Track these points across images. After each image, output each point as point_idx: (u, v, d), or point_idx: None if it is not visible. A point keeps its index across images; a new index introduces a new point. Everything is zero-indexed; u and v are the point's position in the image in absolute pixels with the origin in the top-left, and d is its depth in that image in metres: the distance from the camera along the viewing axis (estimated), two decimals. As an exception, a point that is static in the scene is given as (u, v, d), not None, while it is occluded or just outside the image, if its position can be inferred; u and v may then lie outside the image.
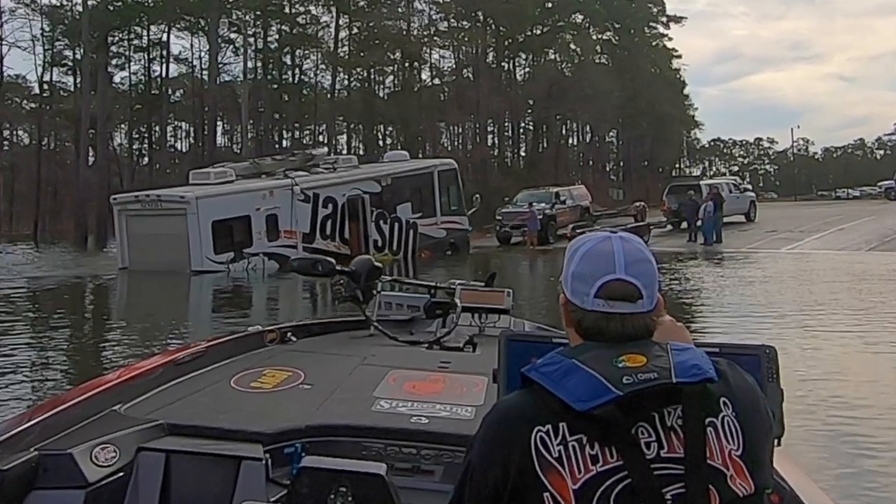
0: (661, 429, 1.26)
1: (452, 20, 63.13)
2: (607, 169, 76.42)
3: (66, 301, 18.27)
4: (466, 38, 62.41)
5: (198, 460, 2.07)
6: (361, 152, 48.41)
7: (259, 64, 59.68)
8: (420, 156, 42.11)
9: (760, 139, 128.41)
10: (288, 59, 61.51)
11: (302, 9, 59.92)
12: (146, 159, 61.69)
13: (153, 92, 58.71)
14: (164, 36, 57.98)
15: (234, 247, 23.09)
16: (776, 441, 1.43)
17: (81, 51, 51.63)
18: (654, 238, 30.48)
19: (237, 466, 2.04)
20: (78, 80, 54.36)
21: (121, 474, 2.01)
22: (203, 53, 58.20)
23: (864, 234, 28.69)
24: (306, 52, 61.41)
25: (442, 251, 28.74)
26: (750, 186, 47.08)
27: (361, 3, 59.12)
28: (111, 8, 53.94)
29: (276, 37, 60.76)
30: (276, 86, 61.04)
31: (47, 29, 54.53)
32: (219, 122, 58.29)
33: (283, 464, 2.12)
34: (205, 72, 57.66)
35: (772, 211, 42.62)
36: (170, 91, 59.72)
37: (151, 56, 58.76)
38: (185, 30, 58.47)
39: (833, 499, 1.95)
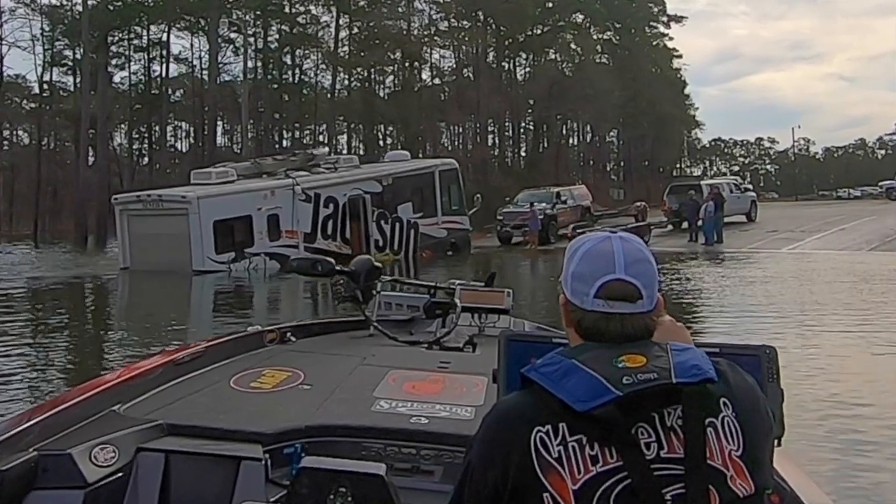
0: (661, 429, 1.26)
1: (453, 20, 63.16)
2: (608, 169, 76.43)
3: (68, 301, 18.26)
4: (467, 38, 62.43)
5: (197, 460, 2.07)
6: (361, 152, 48.42)
7: (259, 64, 59.73)
8: (420, 156, 42.11)
9: (761, 139, 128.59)
10: (288, 59, 61.54)
11: (302, 8, 59.96)
12: (146, 159, 61.74)
13: (153, 92, 58.75)
14: (164, 36, 58.07)
15: (235, 247, 23.10)
16: (776, 441, 1.43)
17: (81, 51, 51.66)
18: (654, 238, 30.48)
19: (237, 467, 2.04)
20: (78, 79, 54.39)
21: (120, 474, 2.01)
22: (203, 53, 58.33)
23: (866, 234, 28.69)
24: (306, 51, 61.44)
25: (443, 251, 28.74)
26: (751, 186, 47.09)
27: (361, 3, 59.14)
28: (111, 8, 53.96)
29: (277, 36, 60.79)
30: (276, 86, 61.07)
31: (47, 29, 54.64)
32: (219, 122, 58.34)
33: (283, 464, 2.12)
34: (205, 72, 57.72)
35: (773, 211, 42.63)
36: (170, 91, 59.75)
37: (151, 56, 58.87)
38: (185, 30, 58.51)
39: (833, 499, 1.95)
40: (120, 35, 56.68)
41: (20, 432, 2.02)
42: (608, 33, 71.51)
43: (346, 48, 60.64)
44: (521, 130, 68.46)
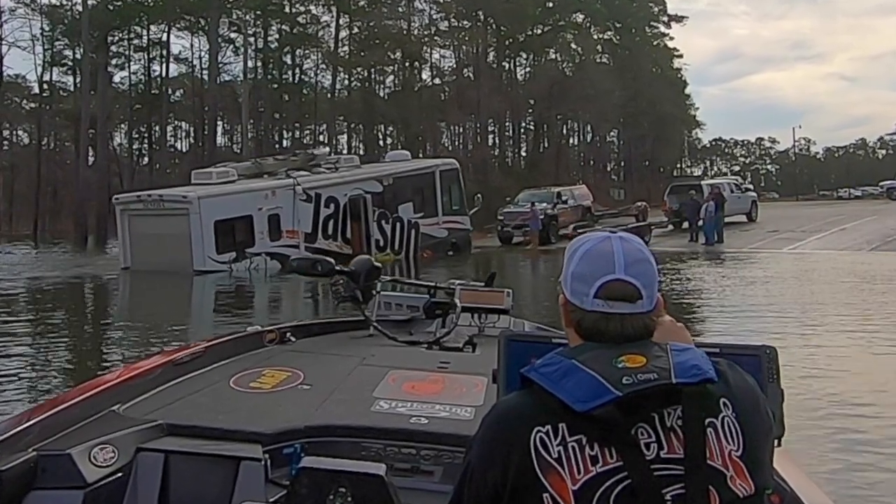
0: (661, 429, 1.26)
1: (453, 20, 63.17)
2: (608, 169, 76.44)
3: (68, 302, 18.24)
4: (467, 38, 62.41)
5: (197, 461, 2.06)
6: (361, 152, 48.41)
7: (259, 64, 59.76)
8: (420, 156, 42.13)
9: (762, 139, 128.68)
10: (288, 59, 61.56)
11: (302, 8, 59.98)
12: (146, 159, 61.76)
13: (153, 92, 58.77)
14: (164, 35, 58.10)
15: (236, 247, 23.09)
16: (776, 441, 1.43)
17: (81, 50, 51.69)
18: (655, 238, 30.48)
19: (236, 467, 2.04)
20: (78, 79, 54.42)
21: (120, 475, 2.00)
22: (203, 53, 58.34)
23: (866, 234, 28.68)
24: (306, 51, 61.45)
25: (444, 251, 28.74)
26: (751, 186, 47.10)
27: (362, 3, 59.15)
28: (111, 7, 53.99)
29: (277, 36, 60.82)
30: (276, 85, 61.09)
31: (47, 28, 54.68)
32: (219, 122, 58.34)
33: (283, 464, 2.11)
34: (205, 71, 57.74)
35: (773, 211, 42.62)
36: (170, 91, 59.76)
37: (151, 56, 58.92)
38: (185, 29, 58.52)
39: (833, 499, 1.95)
40: (120, 35, 56.71)
41: (19, 432, 2.02)
42: (609, 33, 71.50)
43: (346, 48, 60.65)
44: (522, 130, 68.47)
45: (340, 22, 59.38)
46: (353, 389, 2.54)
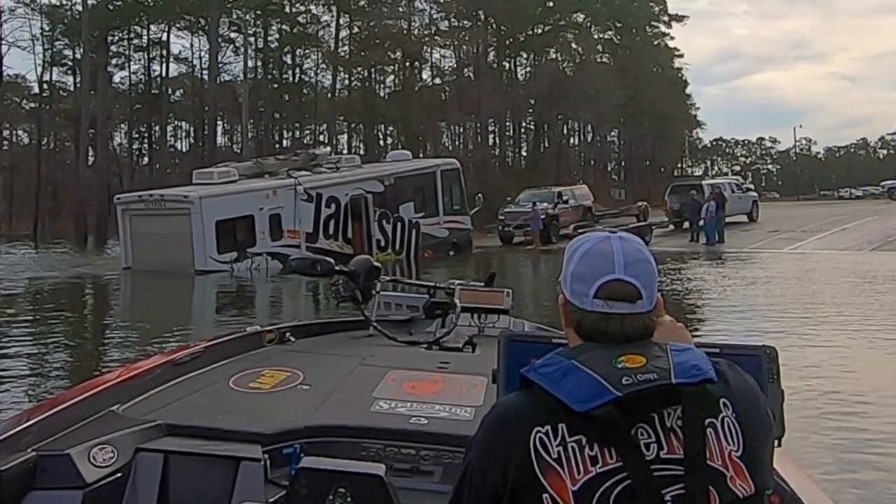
0: (661, 430, 1.26)
1: (453, 19, 63.20)
2: (609, 169, 76.43)
3: (69, 302, 18.22)
4: (467, 38, 62.41)
5: (196, 461, 2.06)
6: (362, 152, 48.40)
7: (259, 63, 59.79)
8: (421, 155, 42.14)
9: (762, 139, 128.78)
10: (288, 59, 61.59)
11: (302, 8, 60.02)
12: (146, 159, 61.78)
13: (153, 92, 58.79)
14: (164, 35, 58.15)
15: (237, 246, 23.09)
16: (777, 442, 1.43)
17: (81, 50, 51.71)
18: (656, 238, 30.49)
19: (236, 467, 2.04)
20: (77, 79, 54.45)
21: (119, 475, 2.00)
22: (203, 53, 58.35)
23: (867, 234, 28.67)
24: (307, 51, 61.48)
25: (444, 251, 28.74)
26: (752, 186, 47.05)
27: (362, 3, 59.18)
28: (111, 7, 54.02)
29: (277, 36, 60.86)
30: (276, 85, 61.11)
31: (47, 28, 54.71)
32: (219, 122, 58.35)
33: (282, 464, 2.11)
34: (205, 71, 57.75)
35: (774, 211, 42.60)
36: (170, 91, 59.79)
37: (151, 56, 58.96)
38: (185, 29, 58.55)
39: (834, 499, 1.94)
40: (120, 35, 56.75)
41: (19, 432, 2.02)
42: (609, 33, 71.48)
43: (346, 48, 60.69)
44: (522, 130, 68.49)
45: (341, 22, 59.43)
46: (352, 389, 2.53)
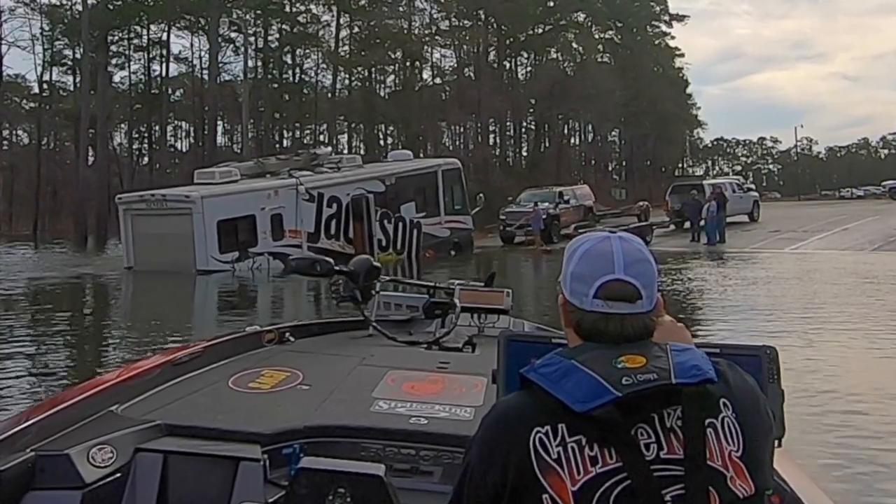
0: (661, 430, 1.26)
1: (454, 19, 63.21)
2: (609, 168, 76.40)
3: (70, 302, 18.21)
4: (468, 37, 62.42)
5: (195, 461, 2.06)
6: (362, 152, 48.40)
7: (259, 63, 59.80)
8: (421, 155, 42.13)
9: (763, 138, 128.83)
10: (288, 59, 61.59)
11: (302, 8, 60.04)
12: (146, 159, 61.82)
13: (153, 91, 58.82)
14: (164, 35, 58.17)
15: (239, 246, 23.10)
16: (777, 442, 1.43)
17: (81, 50, 51.71)
18: (656, 238, 30.49)
19: (235, 467, 2.03)
20: (77, 79, 54.47)
21: (118, 475, 2.00)
22: (203, 53, 58.35)
23: (868, 234, 28.66)
24: (307, 51, 61.49)
25: (446, 251, 28.75)
26: (753, 186, 47.07)
27: (362, 2, 59.18)
28: (111, 7, 54.04)
29: (277, 36, 60.87)
30: (276, 85, 61.12)
31: (47, 28, 54.74)
32: (219, 122, 58.36)
33: (282, 465, 2.11)
34: (205, 71, 57.75)
35: (775, 211, 42.57)
36: (170, 90, 59.82)
37: (151, 55, 58.97)
38: (185, 29, 58.56)
39: (834, 500, 1.94)
40: (120, 34, 56.75)
41: (18, 432, 2.02)
42: (610, 32, 71.49)
43: (346, 47, 60.72)
44: (523, 130, 68.48)
45: (341, 21, 59.47)
46: (352, 390, 2.53)
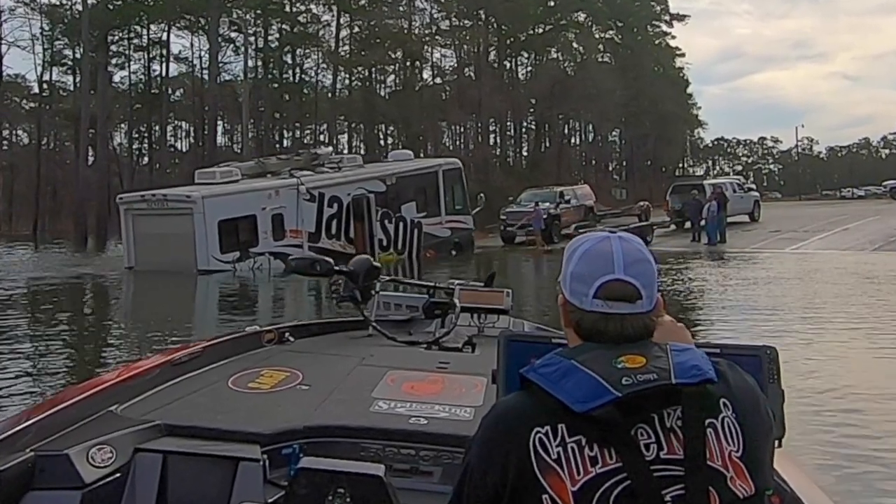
0: (661, 430, 1.26)
1: (454, 19, 63.22)
2: (610, 168, 76.40)
3: (70, 302, 18.21)
4: (468, 37, 62.43)
5: (195, 461, 2.06)
6: (362, 152, 48.39)
7: (259, 63, 59.79)
8: (422, 155, 42.13)
9: (764, 138, 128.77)
10: (289, 59, 61.58)
11: (303, 7, 60.04)
12: (146, 159, 61.84)
13: (153, 91, 58.81)
14: (164, 35, 58.16)
15: (240, 246, 23.11)
16: (777, 442, 1.43)
17: (81, 50, 51.69)
18: (657, 238, 30.49)
19: (234, 467, 2.03)
20: (77, 79, 54.46)
21: (117, 475, 2.00)
22: (203, 52, 58.32)
23: (869, 234, 28.65)
24: (307, 51, 61.48)
25: (446, 251, 28.75)
26: (754, 186, 47.06)
27: (362, 2, 59.18)
28: (111, 7, 54.00)
29: (277, 36, 60.87)
30: (276, 85, 61.11)
31: (47, 28, 54.73)
32: (219, 122, 58.34)
33: (281, 465, 2.10)
34: (205, 71, 57.72)
35: (776, 211, 42.56)
36: (170, 90, 59.82)
37: (151, 55, 58.96)
38: (186, 29, 58.55)
39: (834, 500, 1.94)
40: (120, 34, 56.74)
41: (17, 432, 2.02)
42: (610, 32, 71.46)
43: (346, 47, 60.73)
44: (523, 130, 68.48)
45: (341, 21, 59.48)
46: (351, 390, 2.53)
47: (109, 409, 2.28)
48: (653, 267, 1.39)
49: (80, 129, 49.50)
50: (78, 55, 53.55)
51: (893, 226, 30.00)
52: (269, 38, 60.63)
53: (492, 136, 63.20)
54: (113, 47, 56.36)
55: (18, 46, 58.38)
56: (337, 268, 3.33)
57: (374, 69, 61.84)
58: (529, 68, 68.26)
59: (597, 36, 69.79)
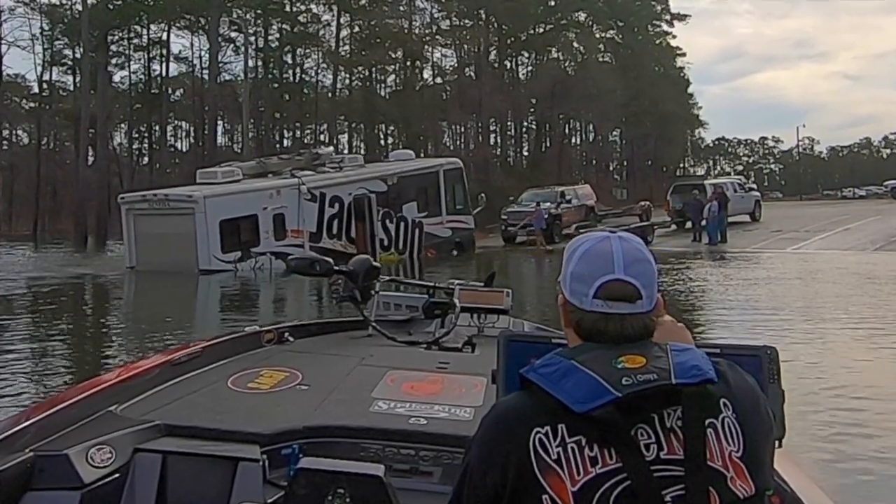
0: (661, 430, 1.25)
1: (454, 18, 63.23)
2: (611, 168, 76.42)
3: (70, 302, 18.21)
4: (468, 37, 62.45)
5: (194, 461, 2.06)
6: (363, 152, 48.39)
7: (260, 63, 59.75)
8: (422, 155, 42.13)
9: (765, 138, 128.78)
10: (289, 58, 61.58)
11: (303, 7, 60.05)
12: (146, 159, 61.86)
13: (153, 91, 58.81)
14: (164, 35, 58.15)
15: (241, 246, 23.12)
16: (777, 442, 1.42)
17: (81, 50, 51.68)
18: (658, 238, 30.49)
19: (234, 467, 2.03)
20: (77, 79, 54.47)
21: (117, 475, 2.00)
22: (203, 52, 58.29)
23: (870, 234, 28.64)
24: (307, 50, 61.49)
25: (447, 250, 28.77)
26: (755, 186, 47.09)
27: (363, 2, 59.18)
28: (111, 7, 54.00)
29: (277, 35, 60.87)
30: (276, 85, 61.12)
31: (47, 28, 54.72)
32: (219, 122, 58.32)
33: (281, 465, 2.10)
34: (205, 71, 57.69)
35: (777, 210, 42.56)
36: (170, 90, 59.83)
37: (151, 55, 58.95)
38: (186, 29, 58.55)
39: (834, 500, 1.93)
40: (120, 34, 56.74)
41: (16, 433, 2.02)
42: (611, 32, 71.45)
43: (347, 47, 60.73)
44: (524, 130, 68.51)
45: (341, 21, 59.49)
46: (351, 390, 2.53)
47: (109, 409, 2.28)
48: (653, 267, 1.39)
49: (80, 129, 49.50)
50: (78, 55, 53.55)
51: (894, 226, 29.99)
52: (270, 37, 60.66)
53: (492, 135, 63.23)
54: (113, 47, 56.37)
55: (18, 46, 58.40)
56: (336, 268, 3.32)
57: (374, 69, 61.85)
58: (530, 68, 68.31)
59: (597, 36, 69.79)
